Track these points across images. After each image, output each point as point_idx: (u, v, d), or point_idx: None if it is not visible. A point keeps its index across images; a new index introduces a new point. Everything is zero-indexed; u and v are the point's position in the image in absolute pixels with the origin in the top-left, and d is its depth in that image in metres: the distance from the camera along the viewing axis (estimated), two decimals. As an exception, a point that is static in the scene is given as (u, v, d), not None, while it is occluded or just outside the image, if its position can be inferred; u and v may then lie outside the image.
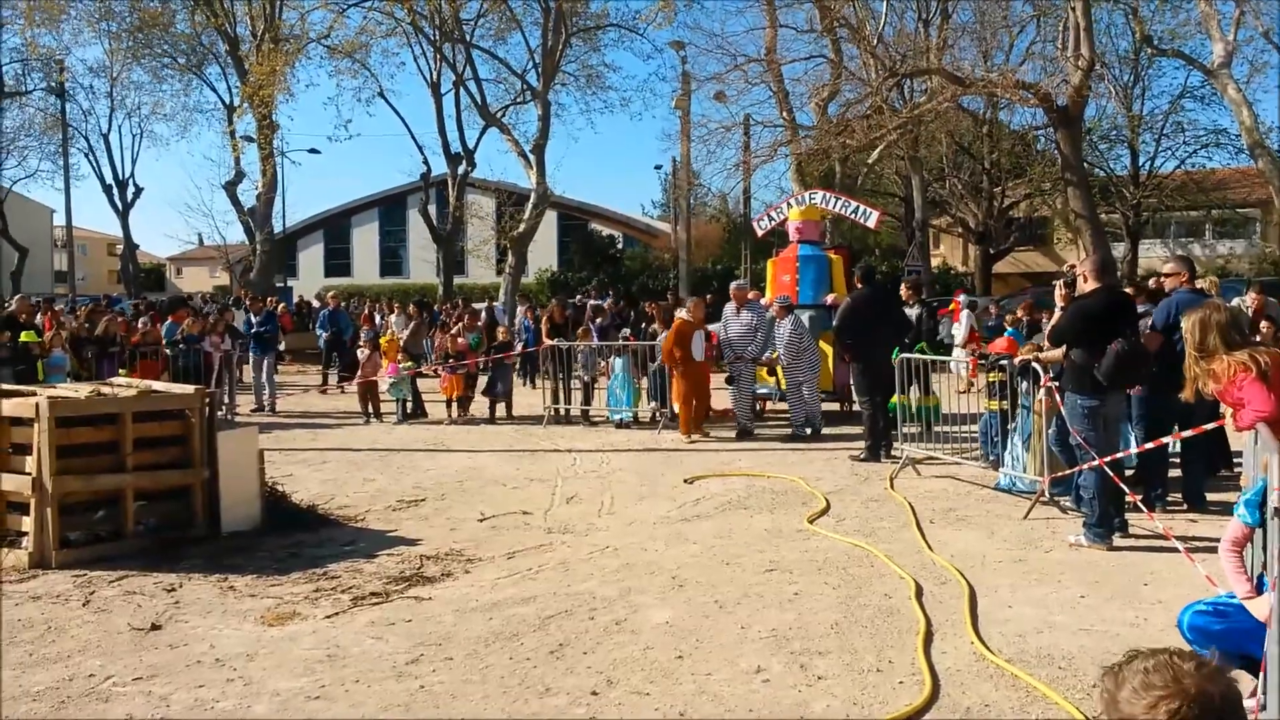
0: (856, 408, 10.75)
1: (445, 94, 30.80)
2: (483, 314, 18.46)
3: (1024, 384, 7.71)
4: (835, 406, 12.50)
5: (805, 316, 11.77)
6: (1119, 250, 29.63)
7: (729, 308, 11.53)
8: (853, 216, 13.48)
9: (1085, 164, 22.46)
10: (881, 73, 19.60)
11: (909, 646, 4.54)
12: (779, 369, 11.83)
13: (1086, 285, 6.41)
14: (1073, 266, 8.07)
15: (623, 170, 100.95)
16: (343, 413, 14.15)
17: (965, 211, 33.32)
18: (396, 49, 37.39)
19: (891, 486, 8.26)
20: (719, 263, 37.74)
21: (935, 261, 35.71)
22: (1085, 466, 6.25)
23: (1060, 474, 6.97)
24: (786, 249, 13.20)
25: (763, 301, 11.76)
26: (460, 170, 31.73)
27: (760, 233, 14.84)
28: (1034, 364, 7.29)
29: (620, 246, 43.98)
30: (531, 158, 27.11)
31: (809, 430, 11.08)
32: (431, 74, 30.78)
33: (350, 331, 18.31)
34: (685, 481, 8.70)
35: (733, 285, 12.03)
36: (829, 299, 11.98)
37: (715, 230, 42.94)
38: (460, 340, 13.56)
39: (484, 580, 5.75)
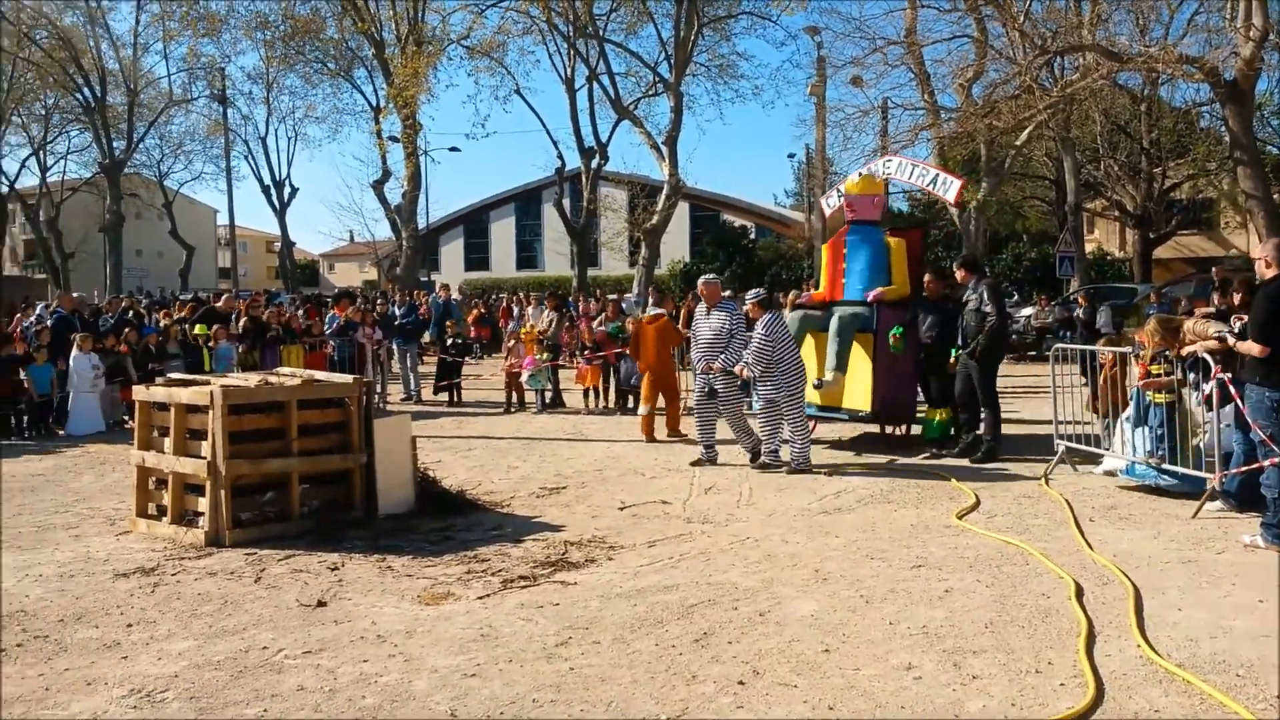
0: (886, 428, 10.09)
1: (579, 89, 31.26)
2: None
3: (1191, 376, 7.26)
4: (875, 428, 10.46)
5: (846, 313, 9.63)
6: (1295, 232, 27.43)
7: (699, 308, 9.53)
8: (930, 188, 11.04)
9: (1257, 141, 20.89)
10: (1030, 51, 18.73)
11: (1069, 648, 4.35)
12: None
13: (1269, 271, 5.96)
14: (1239, 254, 7.52)
15: (754, 160, 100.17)
16: (484, 402, 14.59)
17: (1122, 194, 31.52)
18: (532, 47, 38.19)
19: (1046, 483, 7.92)
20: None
21: (1090, 247, 33.96)
22: (1270, 463, 5.83)
23: (1240, 470, 6.52)
24: (840, 231, 10.87)
25: (747, 302, 9.25)
26: (593, 164, 32.14)
27: (828, 211, 12.43)
28: (1203, 355, 6.84)
29: (752, 236, 43.66)
30: (664, 149, 27.23)
31: (791, 463, 8.74)
32: (565, 70, 31.28)
33: (462, 325, 18.89)
34: (825, 474, 8.58)
35: (701, 280, 9.64)
36: (871, 294, 9.67)
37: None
38: (600, 330, 13.76)
39: (627, 567, 5.83)
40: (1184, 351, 7.16)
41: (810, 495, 7.73)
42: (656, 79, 28.87)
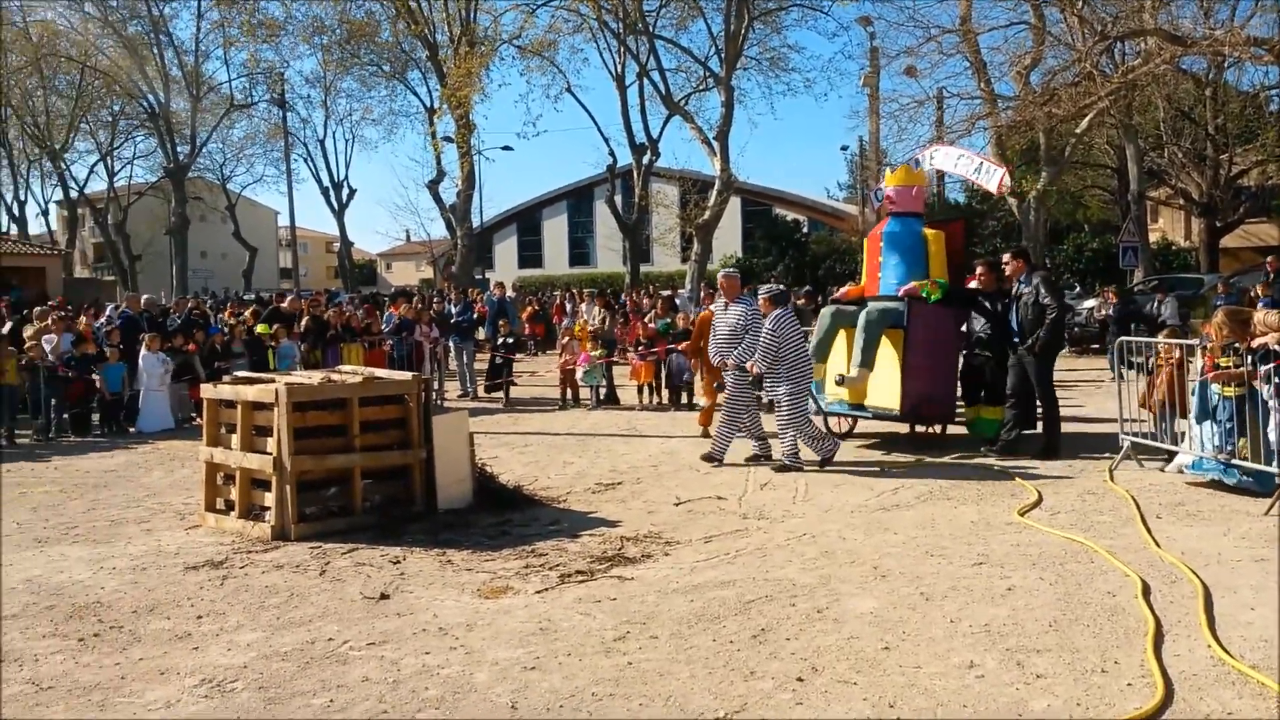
0: (921, 427, 9.80)
1: (629, 86, 31.30)
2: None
3: (1263, 368, 7.04)
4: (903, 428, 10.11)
5: (874, 308, 9.41)
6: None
7: (719, 303, 9.50)
8: (974, 178, 10.52)
9: (1331, 124, 20.18)
10: (1090, 36, 18.33)
11: (1137, 647, 4.26)
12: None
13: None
14: None
15: (806, 153, 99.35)
16: (539, 399, 14.71)
17: (1187, 182, 30.69)
18: (582, 45, 38.33)
19: (1111, 479, 7.75)
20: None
21: (1153, 236, 33.11)
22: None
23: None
24: (880, 223, 10.54)
25: (759, 297, 9.03)
26: (645, 160, 32.16)
27: (876, 206, 11.97)
28: (1275, 347, 6.64)
29: (805, 231, 43.35)
30: (715, 144, 27.14)
31: (799, 461, 8.57)
32: (616, 67, 31.34)
33: (516, 323, 19.02)
34: (882, 470, 8.50)
35: (720, 274, 9.59)
36: (902, 289, 9.35)
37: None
38: (650, 326, 13.79)
39: (683, 563, 5.84)
40: (1255, 344, 6.95)
41: (868, 491, 7.66)
42: (707, 74, 28.79)
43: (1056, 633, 4.48)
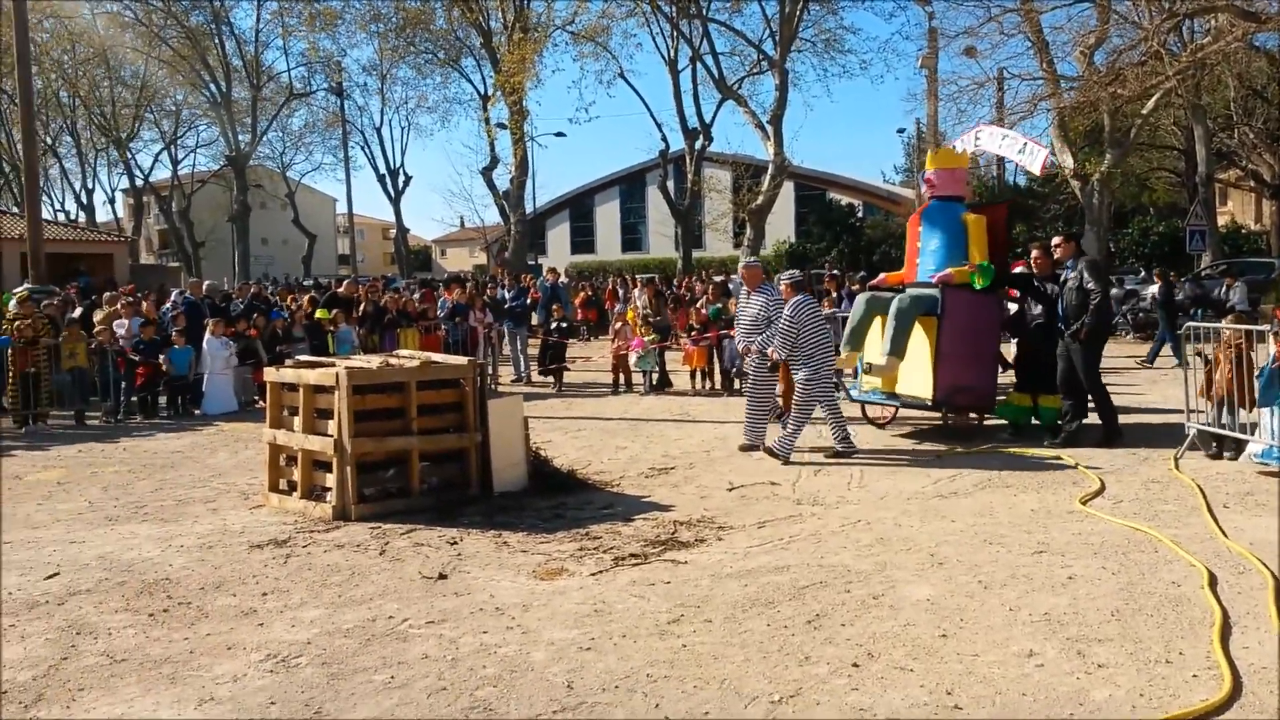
0: (948, 418, 9.54)
1: (682, 70, 31.21)
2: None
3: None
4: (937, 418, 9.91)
5: (907, 295, 9.25)
6: None
7: (742, 292, 9.54)
8: (1017, 159, 10.20)
9: None
10: (1157, 14, 17.79)
11: (1203, 638, 4.17)
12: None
13: None
14: None
15: (862, 136, 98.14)
16: (592, 384, 14.78)
17: (1259, 163, 29.71)
18: (635, 30, 38.23)
19: (1176, 467, 7.58)
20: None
21: (1222, 220, 32.17)
22: None
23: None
24: (920, 207, 10.35)
25: (780, 283, 8.97)
26: (697, 145, 32.05)
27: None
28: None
29: (860, 215, 42.84)
30: (769, 128, 26.95)
31: (775, 446, 8.47)
32: (669, 51, 31.25)
33: (569, 308, 19.10)
34: (938, 456, 8.41)
35: (742, 264, 9.78)
36: (937, 275, 9.17)
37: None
38: (703, 311, 13.77)
39: (736, 548, 5.84)
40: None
41: (924, 478, 7.59)
42: (761, 57, 28.55)
43: (1119, 622, 4.40)
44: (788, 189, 38.79)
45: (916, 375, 9.15)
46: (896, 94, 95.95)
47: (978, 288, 8.97)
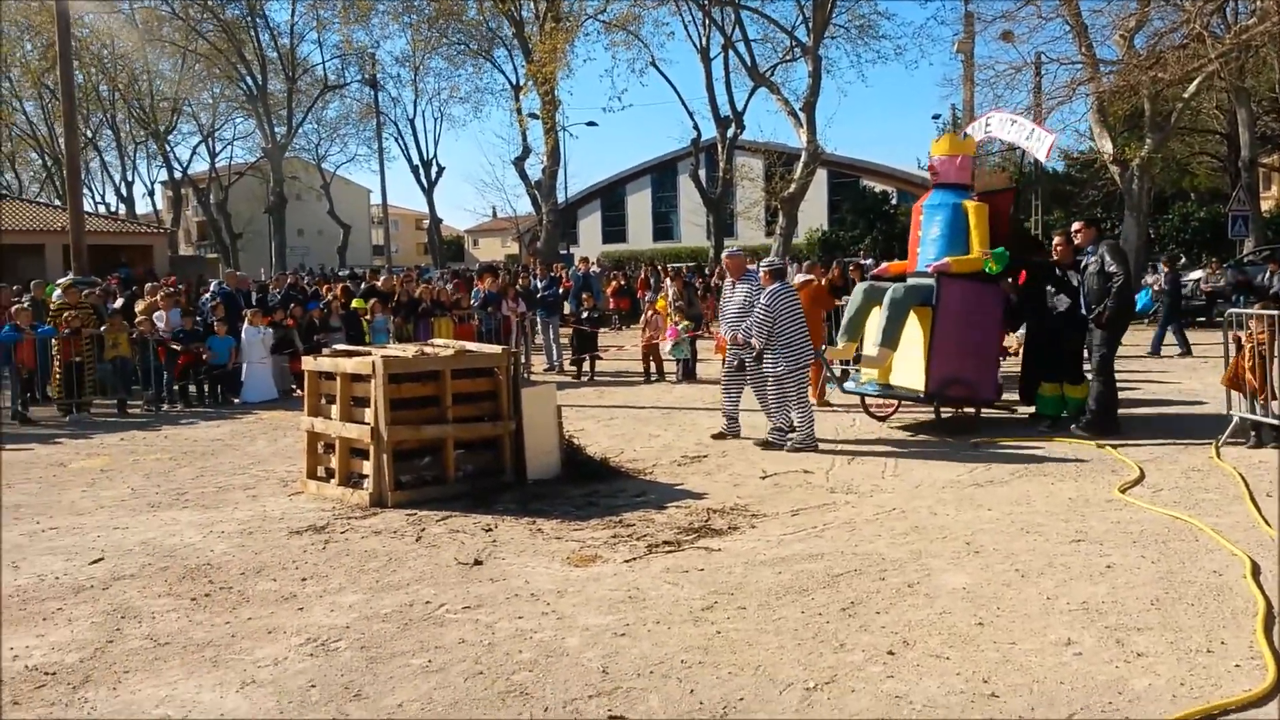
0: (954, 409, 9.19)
1: (714, 58, 31.07)
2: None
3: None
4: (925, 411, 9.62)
5: (902, 286, 9.11)
6: None
7: (726, 282, 9.37)
8: (1025, 144, 9.96)
9: None
10: (1201, -5, 17.40)
11: (1245, 628, 4.11)
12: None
13: None
14: None
15: (896, 122, 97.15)
16: (624, 372, 14.80)
17: (1304, 147, 29.06)
18: (667, 18, 38.02)
19: (1217, 456, 7.46)
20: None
21: (1266, 205, 31.48)
22: None
23: None
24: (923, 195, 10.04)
25: (760, 271, 8.85)
26: (729, 133, 31.90)
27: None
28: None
29: (894, 202, 42.44)
30: (802, 115, 26.75)
31: (795, 442, 8.40)
32: (701, 39, 31.11)
33: (600, 298, 19.11)
34: (973, 445, 8.35)
35: (725, 253, 9.64)
36: (932, 265, 8.96)
37: (1000, 180, 40.31)
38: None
39: (770, 535, 5.84)
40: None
41: (960, 467, 7.53)
42: (794, 43, 28.32)
43: (1159, 611, 4.35)
44: (821, 176, 38.55)
45: (910, 366, 9.02)
46: (931, 79, 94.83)
47: (990, 272, 8.81)
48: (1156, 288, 17.27)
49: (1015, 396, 9.63)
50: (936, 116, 50.05)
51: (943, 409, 9.11)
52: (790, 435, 8.51)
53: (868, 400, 9.92)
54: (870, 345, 9.15)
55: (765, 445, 8.56)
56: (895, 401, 9.73)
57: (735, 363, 8.98)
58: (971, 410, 9.27)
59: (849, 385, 9.87)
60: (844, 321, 9.55)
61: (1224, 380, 8.15)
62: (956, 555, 5.30)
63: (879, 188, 45.11)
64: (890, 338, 8.95)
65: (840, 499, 6.70)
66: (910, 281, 9.26)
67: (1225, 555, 5.07)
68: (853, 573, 5.04)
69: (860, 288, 9.73)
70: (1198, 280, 20.06)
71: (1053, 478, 7.06)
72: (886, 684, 3.74)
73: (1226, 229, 24.31)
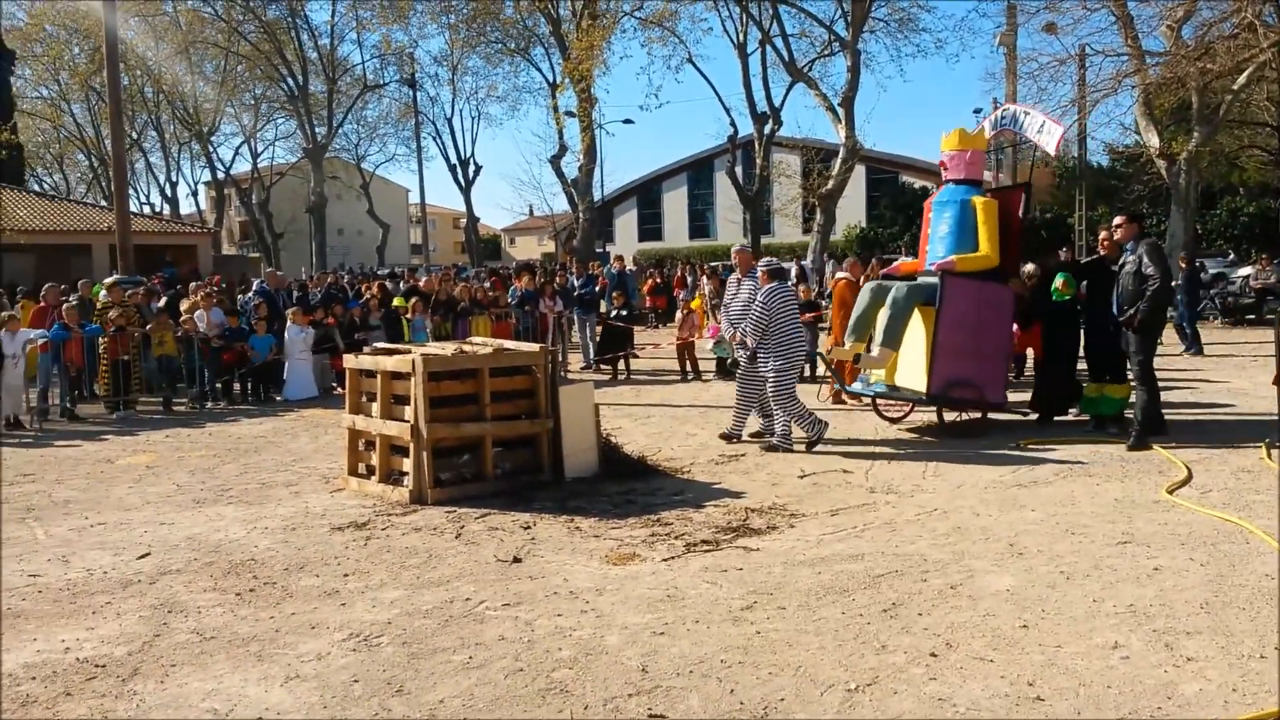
0: (962, 413, 8.98)
1: (751, 54, 30.85)
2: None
3: None
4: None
5: (904, 285, 8.92)
6: None
7: (733, 278, 9.30)
8: (1035, 137, 9.75)
9: None
10: (1251, -16, 17.02)
11: (1300, 634, 4.01)
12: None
13: None
14: None
15: (937, 117, 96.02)
16: (660, 371, 14.79)
17: (1358, 139, 28.31)
18: (704, 14, 37.99)
19: (1268, 456, 7.29)
20: (1049, 211, 34.90)
21: (1317, 199, 30.70)
22: None
23: None
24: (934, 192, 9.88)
25: (758, 270, 8.72)
26: (766, 129, 31.71)
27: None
28: None
29: (934, 198, 41.91)
30: (840, 111, 26.54)
31: (789, 442, 8.37)
32: (738, 34, 30.93)
33: (635, 296, 19.08)
34: (1018, 447, 8.23)
35: (735, 248, 9.42)
36: (936, 263, 8.84)
37: (1044, 175, 39.73)
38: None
39: (809, 535, 5.80)
40: None
41: (1002, 467, 7.43)
42: (832, 38, 28.10)
43: (1209, 615, 4.26)
44: (859, 173, 38.17)
45: (914, 367, 8.86)
46: (973, 73, 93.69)
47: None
48: (1240, 285, 16.93)
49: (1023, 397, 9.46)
50: (978, 110, 49.37)
51: (948, 412, 8.93)
52: (793, 435, 8.45)
53: (879, 402, 9.75)
54: (873, 345, 9.04)
55: (770, 449, 8.45)
56: (909, 404, 9.54)
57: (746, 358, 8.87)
58: (978, 414, 9.02)
59: (856, 386, 9.72)
60: (851, 320, 9.41)
61: (1275, 380, 7.97)
62: (1000, 557, 5.23)
63: (918, 184, 44.61)
64: (891, 338, 8.80)
65: (880, 499, 6.64)
66: (914, 282, 9.07)
67: (1277, 558, 4.95)
68: (894, 574, 5.00)
69: (868, 286, 9.59)
70: (1247, 277, 19.65)
71: (1098, 478, 6.95)
72: (929, 686, 3.70)
73: (1277, 224, 23.75)
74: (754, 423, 9.03)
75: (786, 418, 8.39)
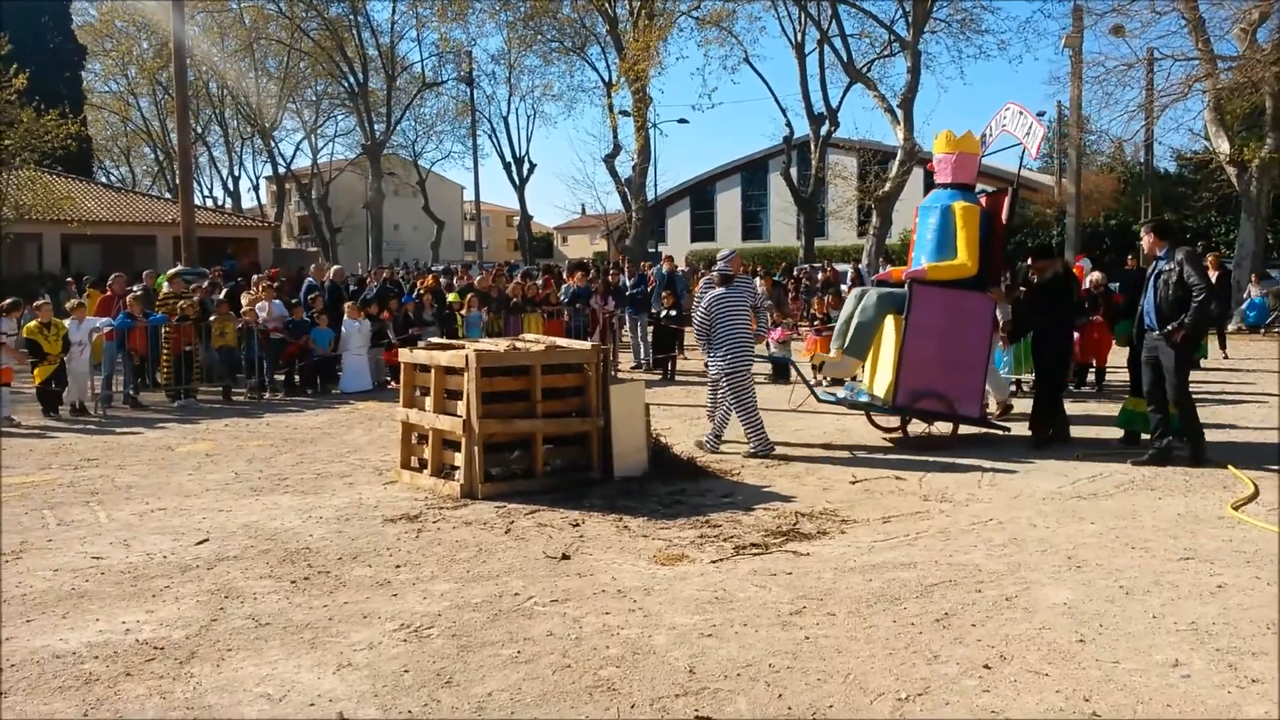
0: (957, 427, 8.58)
1: (809, 54, 30.71)
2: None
3: None
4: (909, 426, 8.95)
5: (875, 293, 8.84)
6: None
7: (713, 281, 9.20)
8: (1024, 140, 9.09)
9: None
10: (1331, -15, 16.48)
11: (1373, 660, 3.87)
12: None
13: None
14: None
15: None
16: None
17: None
18: (761, 13, 37.74)
19: (1340, 474, 7.05)
20: (1113, 217, 34.14)
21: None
22: None
23: None
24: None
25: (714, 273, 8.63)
26: (823, 130, 31.48)
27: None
28: None
29: (993, 203, 41.25)
30: (899, 112, 26.25)
31: (751, 447, 8.36)
32: (795, 34, 30.79)
33: (684, 296, 18.96)
34: (1077, 458, 8.06)
35: (720, 255, 9.20)
36: (905, 271, 8.71)
37: (1108, 181, 38.86)
38: (829, 300, 13.56)
39: (860, 542, 5.74)
40: None
41: (1061, 478, 7.28)
42: (892, 38, 27.81)
43: (1275, 636, 4.13)
44: (917, 175, 37.67)
45: (883, 376, 8.67)
46: (1037, 76, 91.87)
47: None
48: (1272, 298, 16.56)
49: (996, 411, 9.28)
50: (1042, 114, 48.57)
51: (911, 424, 8.71)
52: (718, 440, 8.62)
53: (873, 416, 9.50)
54: (833, 349, 8.93)
55: (699, 445, 8.62)
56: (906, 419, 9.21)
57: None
58: (948, 428, 8.65)
59: (841, 393, 9.47)
60: (836, 327, 9.22)
61: None
62: (1057, 569, 5.12)
63: (979, 187, 43.91)
64: (858, 346, 8.65)
65: (934, 507, 6.54)
66: (886, 289, 8.93)
67: (1350, 580, 4.79)
68: (947, 583, 4.92)
69: (854, 293, 9.41)
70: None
71: (1160, 492, 6.78)
72: (982, 698, 3.63)
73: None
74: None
75: (759, 425, 8.39)
